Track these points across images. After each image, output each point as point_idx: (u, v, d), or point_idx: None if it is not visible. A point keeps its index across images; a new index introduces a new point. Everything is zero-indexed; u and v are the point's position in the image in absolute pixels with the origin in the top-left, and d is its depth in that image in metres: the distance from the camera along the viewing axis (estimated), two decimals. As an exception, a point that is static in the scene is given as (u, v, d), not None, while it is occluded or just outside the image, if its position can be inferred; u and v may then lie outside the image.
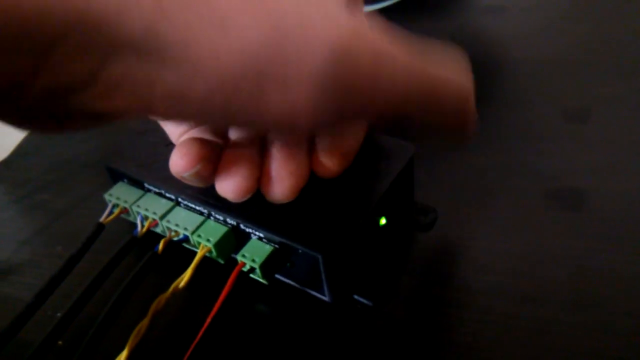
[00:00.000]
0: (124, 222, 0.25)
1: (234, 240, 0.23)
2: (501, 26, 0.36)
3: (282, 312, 0.22)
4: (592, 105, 0.29)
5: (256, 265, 0.21)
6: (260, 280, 0.22)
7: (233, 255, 0.23)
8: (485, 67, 0.33)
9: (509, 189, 0.26)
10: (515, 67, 0.33)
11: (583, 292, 0.22)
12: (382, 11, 0.39)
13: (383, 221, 0.23)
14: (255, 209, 0.22)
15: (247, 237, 0.22)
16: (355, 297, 0.22)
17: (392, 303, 0.22)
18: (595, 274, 0.22)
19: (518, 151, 0.28)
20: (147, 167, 0.24)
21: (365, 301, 0.22)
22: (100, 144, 0.32)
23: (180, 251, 0.23)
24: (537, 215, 0.25)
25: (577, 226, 0.24)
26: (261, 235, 0.21)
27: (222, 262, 0.23)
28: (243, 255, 0.21)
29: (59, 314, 0.22)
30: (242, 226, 0.22)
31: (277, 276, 0.23)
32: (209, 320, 0.20)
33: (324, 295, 0.22)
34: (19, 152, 0.32)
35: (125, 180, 0.25)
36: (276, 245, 0.21)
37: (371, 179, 0.22)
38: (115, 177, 0.25)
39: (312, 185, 0.22)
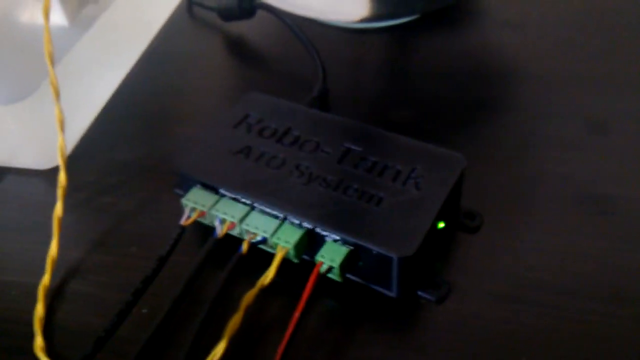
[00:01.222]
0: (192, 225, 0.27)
1: (307, 242, 0.25)
2: (520, 40, 0.39)
3: (352, 307, 0.25)
4: (611, 118, 0.32)
5: (335, 265, 0.23)
6: (336, 279, 0.24)
7: (304, 256, 0.25)
8: (506, 81, 0.36)
9: (542, 195, 0.29)
10: (536, 80, 0.36)
11: (617, 287, 0.25)
12: (399, 27, 0.41)
13: (441, 225, 0.25)
14: (329, 212, 0.24)
15: (321, 238, 0.24)
16: (419, 293, 0.24)
17: (451, 298, 0.25)
18: (627, 271, 0.25)
19: (547, 160, 0.30)
20: (219, 173, 0.26)
21: (428, 297, 0.24)
22: (154, 147, 0.33)
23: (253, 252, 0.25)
24: (569, 218, 0.28)
25: (606, 228, 0.27)
26: (337, 237, 0.24)
27: (296, 261, 0.25)
28: (322, 257, 0.23)
29: (144, 311, 0.25)
30: (317, 229, 0.24)
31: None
32: (297, 314, 0.22)
33: (391, 291, 0.24)
34: (73, 156, 0.33)
35: (199, 185, 0.26)
36: (351, 247, 0.24)
37: (433, 187, 0.25)
38: (186, 181, 0.27)
39: (379, 192, 0.24)
